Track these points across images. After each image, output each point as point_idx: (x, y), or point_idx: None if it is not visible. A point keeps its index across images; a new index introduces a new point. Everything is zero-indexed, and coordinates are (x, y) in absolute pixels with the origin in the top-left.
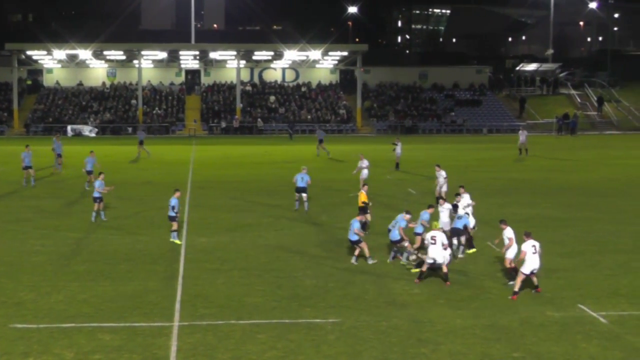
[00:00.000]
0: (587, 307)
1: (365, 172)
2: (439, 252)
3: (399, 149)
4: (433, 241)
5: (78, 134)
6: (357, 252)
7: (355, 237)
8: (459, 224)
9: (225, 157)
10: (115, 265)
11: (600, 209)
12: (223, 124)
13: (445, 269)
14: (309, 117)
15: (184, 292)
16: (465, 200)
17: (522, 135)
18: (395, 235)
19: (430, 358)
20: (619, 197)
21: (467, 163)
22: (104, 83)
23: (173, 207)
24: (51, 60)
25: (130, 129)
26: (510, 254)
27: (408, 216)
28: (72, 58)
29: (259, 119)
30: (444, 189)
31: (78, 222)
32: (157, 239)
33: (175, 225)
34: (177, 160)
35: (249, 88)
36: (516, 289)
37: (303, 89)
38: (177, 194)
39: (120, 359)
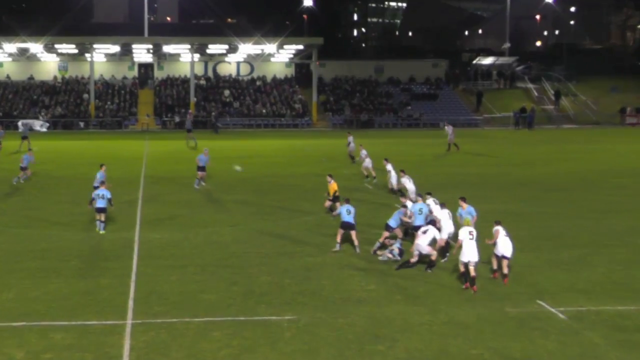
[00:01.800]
0: (545, 302)
1: (368, 160)
2: (474, 251)
3: (352, 143)
4: (471, 236)
5: (29, 129)
6: (340, 238)
7: (353, 221)
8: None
9: (179, 152)
10: (67, 262)
11: (557, 204)
12: (176, 119)
13: (473, 272)
14: (263, 111)
15: (137, 289)
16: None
17: (449, 130)
18: (394, 222)
19: (387, 355)
20: (576, 192)
21: (423, 158)
22: (55, 77)
23: (103, 196)
24: (1, 54)
25: (82, 124)
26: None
27: (406, 209)
28: (23, 52)
29: (214, 114)
30: (394, 181)
31: (28, 219)
32: (110, 236)
33: (104, 217)
34: (130, 156)
35: (203, 82)
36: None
37: (258, 83)
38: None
39: (72, 358)
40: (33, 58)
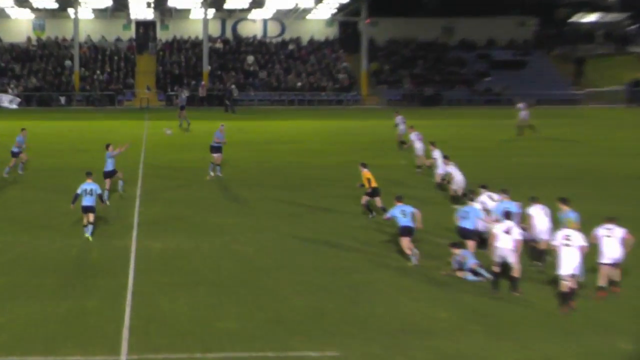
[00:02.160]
0: None
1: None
2: (573, 261)
3: (401, 125)
4: (568, 241)
5: None
6: (408, 246)
7: (412, 224)
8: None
9: (188, 136)
10: (42, 279)
11: None
12: (185, 93)
13: (569, 286)
14: (298, 84)
15: (133, 314)
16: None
17: (523, 111)
18: (471, 224)
19: None
20: None
21: (504, 145)
22: (29, 39)
23: (91, 193)
24: None
25: (63, 99)
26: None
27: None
28: None
29: (233, 86)
30: (441, 171)
31: None
32: (99, 243)
33: (92, 217)
34: (124, 141)
35: (219, 45)
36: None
37: (291, 47)
38: (89, 179)
39: None
40: (1, 13)
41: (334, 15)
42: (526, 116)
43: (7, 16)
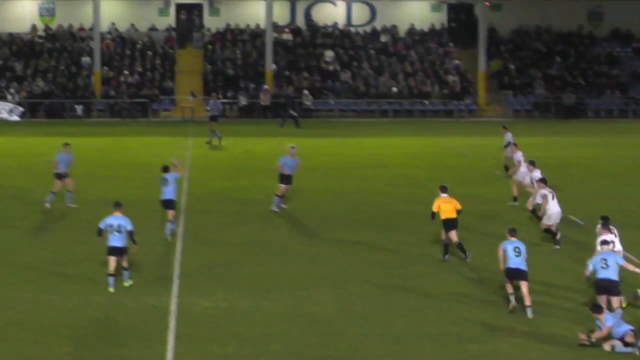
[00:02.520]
0: None
1: (522, 171)
2: None
3: (512, 145)
4: None
5: None
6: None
7: (524, 267)
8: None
9: (246, 158)
10: (52, 348)
11: None
12: (243, 100)
13: None
14: (393, 88)
15: None
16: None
17: None
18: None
19: None
20: None
21: None
22: (34, 27)
23: (119, 229)
24: None
25: (79, 108)
26: None
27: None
28: None
29: (306, 92)
30: (527, 181)
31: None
32: (128, 301)
33: (125, 261)
34: (160, 164)
35: (288, 37)
36: None
37: (384, 39)
38: (118, 211)
39: None
40: None
41: None
42: None
43: None
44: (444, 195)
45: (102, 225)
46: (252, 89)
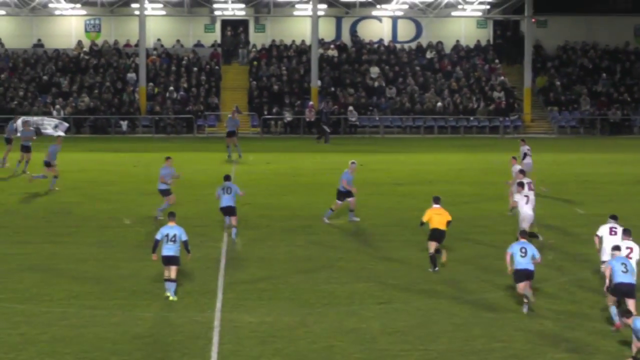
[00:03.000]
0: None
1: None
2: None
3: (528, 157)
4: None
5: (33, 132)
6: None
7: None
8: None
9: (291, 174)
10: None
11: None
12: (288, 116)
13: None
14: (438, 104)
15: None
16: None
17: None
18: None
19: None
20: None
21: None
22: (80, 44)
23: (173, 239)
24: None
25: (124, 124)
26: None
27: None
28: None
29: (351, 108)
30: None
31: (34, 287)
32: (169, 315)
33: (174, 272)
34: (205, 180)
35: (333, 53)
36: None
37: (429, 55)
38: (172, 221)
39: None
40: (41, 10)
41: (487, 12)
42: None
43: (51, 13)
44: (436, 206)
45: (158, 237)
46: (297, 105)
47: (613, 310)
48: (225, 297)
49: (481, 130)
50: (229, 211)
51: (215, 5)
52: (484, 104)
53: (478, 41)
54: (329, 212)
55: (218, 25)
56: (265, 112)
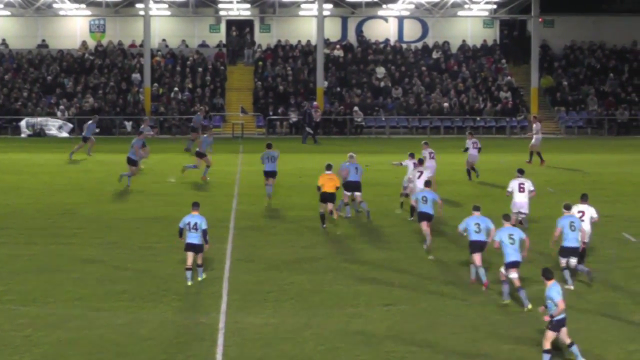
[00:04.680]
0: None
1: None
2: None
3: (472, 149)
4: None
5: (38, 133)
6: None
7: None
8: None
9: (296, 175)
10: None
11: None
12: (293, 117)
13: None
14: (445, 104)
15: None
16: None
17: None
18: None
19: None
20: None
21: None
22: (84, 44)
23: (195, 227)
24: None
25: (129, 125)
26: None
27: None
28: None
29: (356, 108)
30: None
31: (34, 284)
32: (174, 317)
33: (200, 259)
34: (210, 182)
35: (339, 53)
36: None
37: (435, 55)
38: (195, 210)
39: None
40: (46, 11)
41: (493, 12)
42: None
43: (55, 13)
44: (329, 172)
45: (181, 225)
46: (305, 105)
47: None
48: (230, 298)
49: (488, 130)
50: (273, 174)
51: (220, 6)
52: (490, 104)
53: (485, 41)
54: (346, 209)
55: (223, 26)
56: (271, 113)
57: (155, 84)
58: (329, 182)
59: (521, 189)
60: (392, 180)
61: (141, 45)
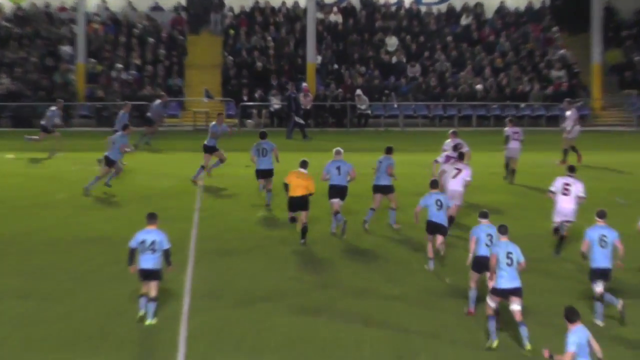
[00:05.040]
0: None
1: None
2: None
3: (513, 140)
4: None
5: None
6: None
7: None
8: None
9: (279, 181)
10: None
11: None
12: (275, 103)
13: None
14: (478, 86)
15: None
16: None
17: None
18: None
19: None
20: None
21: None
22: None
23: (152, 247)
24: None
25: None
26: None
27: None
28: None
29: (359, 92)
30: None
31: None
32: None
33: (154, 289)
34: (164, 189)
35: (337, 18)
36: None
37: (464, 22)
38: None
39: None
40: None
41: None
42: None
43: None
44: (302, 170)
45: (133, 244)
46: (290, 89)
47: None
48: (189, 347)
49: (535, 121)
50: (267, 174)
51: None
52: (538, 87)
53: (530, 2)
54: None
55: None
56: (245, 98)
57: (92, 60)
58: (299, 183)
59: (565, 191)
60: (406, 188)
61: (74, 9)
